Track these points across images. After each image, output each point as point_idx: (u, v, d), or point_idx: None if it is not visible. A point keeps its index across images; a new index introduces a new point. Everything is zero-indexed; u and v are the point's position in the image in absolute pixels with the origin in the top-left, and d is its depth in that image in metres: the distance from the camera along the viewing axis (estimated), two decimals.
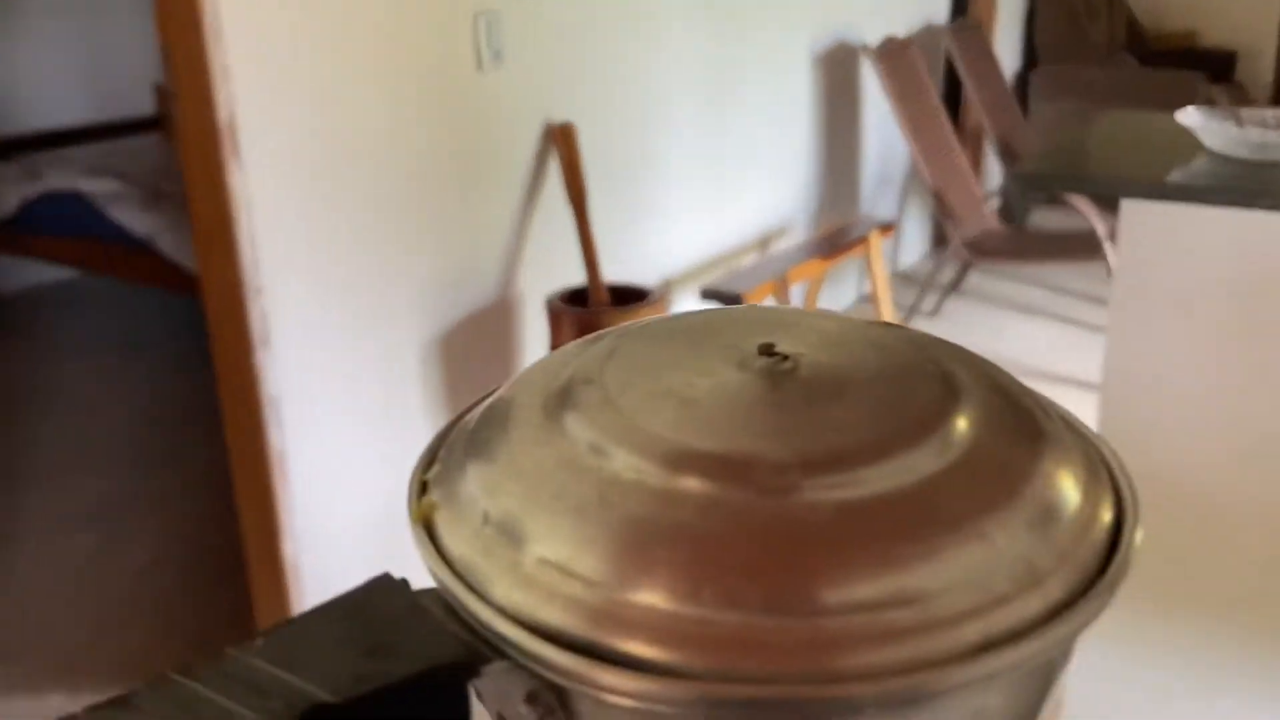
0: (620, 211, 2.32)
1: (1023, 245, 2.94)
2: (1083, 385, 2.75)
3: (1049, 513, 0.23)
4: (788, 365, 0.25)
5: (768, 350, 0.25)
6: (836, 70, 3.14)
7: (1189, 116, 1.41)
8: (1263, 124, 1.38)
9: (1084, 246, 2.85)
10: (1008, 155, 3.73)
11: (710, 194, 2.65)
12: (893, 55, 3.15)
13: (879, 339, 0.27)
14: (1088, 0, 4.54)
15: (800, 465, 0.23)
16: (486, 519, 0.24)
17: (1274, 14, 4.71)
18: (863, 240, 2.80)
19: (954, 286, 3.43)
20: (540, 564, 0.22)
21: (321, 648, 0.23)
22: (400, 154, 1.82)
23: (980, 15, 4.00)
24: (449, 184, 1.94)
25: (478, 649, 0.22)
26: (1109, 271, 2.74)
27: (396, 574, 0.27)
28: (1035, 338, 2.96)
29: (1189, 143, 1.46)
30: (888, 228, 3.00)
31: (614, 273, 2.26)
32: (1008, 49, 4.31)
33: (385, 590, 0.25)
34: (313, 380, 1.71)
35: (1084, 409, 2.62)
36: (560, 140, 2.12)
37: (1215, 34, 4.74)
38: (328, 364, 1.75)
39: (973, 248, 3.00)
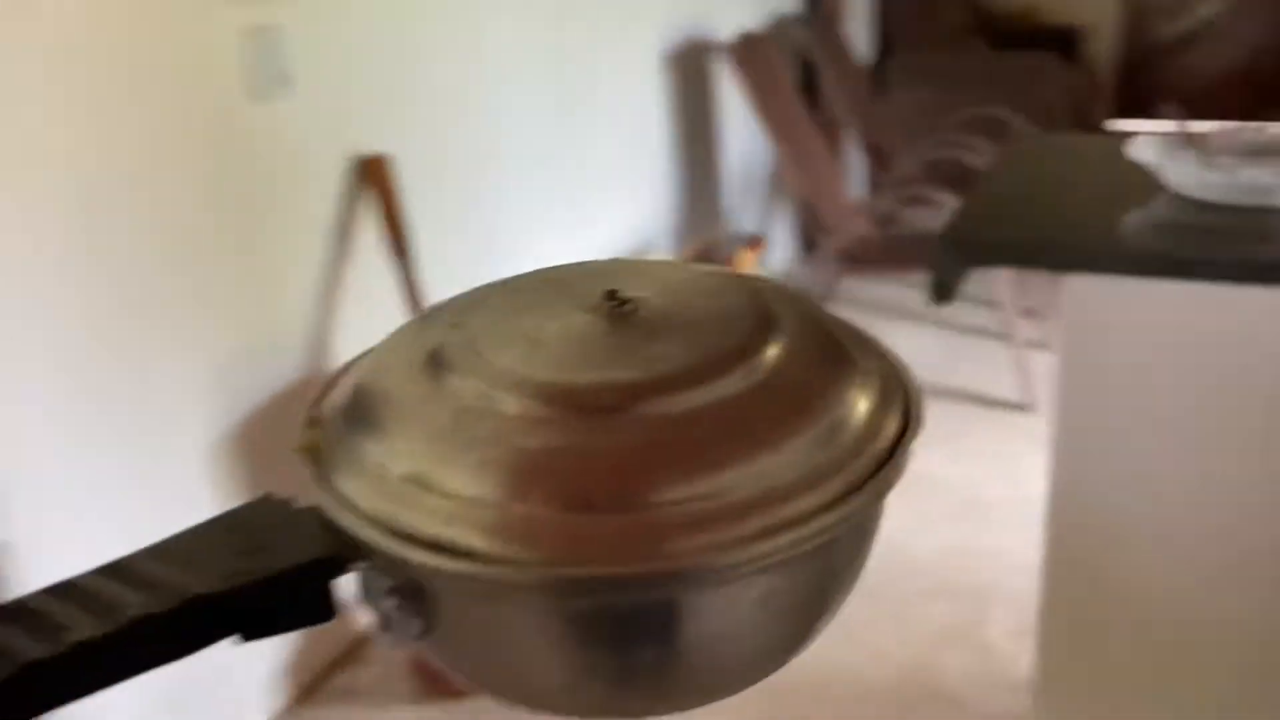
0: (455, 251, 1.95)
1: (901, 253, 2.70)
2: (986, 401, 2.55)
3: (835, 428, 0.28)
4: (628, 308, 0.29)
5: (611, 295, 0.29)
6: (690, 71, 2.84)
7: (1144, 150, 1.13)
8: (1232, 151, 1.11)
9: None
10: (873, 153, 3.51)
11: (562, 219, 2.30)
12: (748, 52, 2.87)
13: (715, 285, 0.32)
14: None
15: (627, 390, 0.26)
16: (357, 444, 0.28)
17: None
18: (730, 260, 2.51)
19: (828, 293, 3.18)
20: (402, 480, 0.27)
21: (202, 551, 0.27)
22: (150, 216, 1.41)
23: (831, 5, 3.77)
24: (226, 242, 1.54)
25: (346, 551, 0.26)
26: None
27: None
28: (927, 349, 2.73)
29: (1142, 181, 1.16)
30: (756, 242, 2.72)
31: None
32: (861, 38, 4.11)
33: (265, 506, 0.29)
34: (56, 522, 1.29)
35: (987, 427, 2.36)
36: (373, 175, 1.74)
37: (1056, 12, 4.67)
38: (77, 499, 1.33)
39: (846, 257, 2.75)
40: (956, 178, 2.75)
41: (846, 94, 3.36)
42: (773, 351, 0.28)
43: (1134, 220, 1.14)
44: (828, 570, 0.28)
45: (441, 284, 1.85)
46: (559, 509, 0.25)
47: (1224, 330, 1.03)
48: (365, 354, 0.32)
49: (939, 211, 2.29)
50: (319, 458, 0.29)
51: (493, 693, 0.28)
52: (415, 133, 1.88)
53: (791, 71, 3.19)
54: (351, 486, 0.27)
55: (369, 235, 1.78)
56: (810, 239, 3.28)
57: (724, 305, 0.30)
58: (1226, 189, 1.06)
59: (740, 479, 0.26)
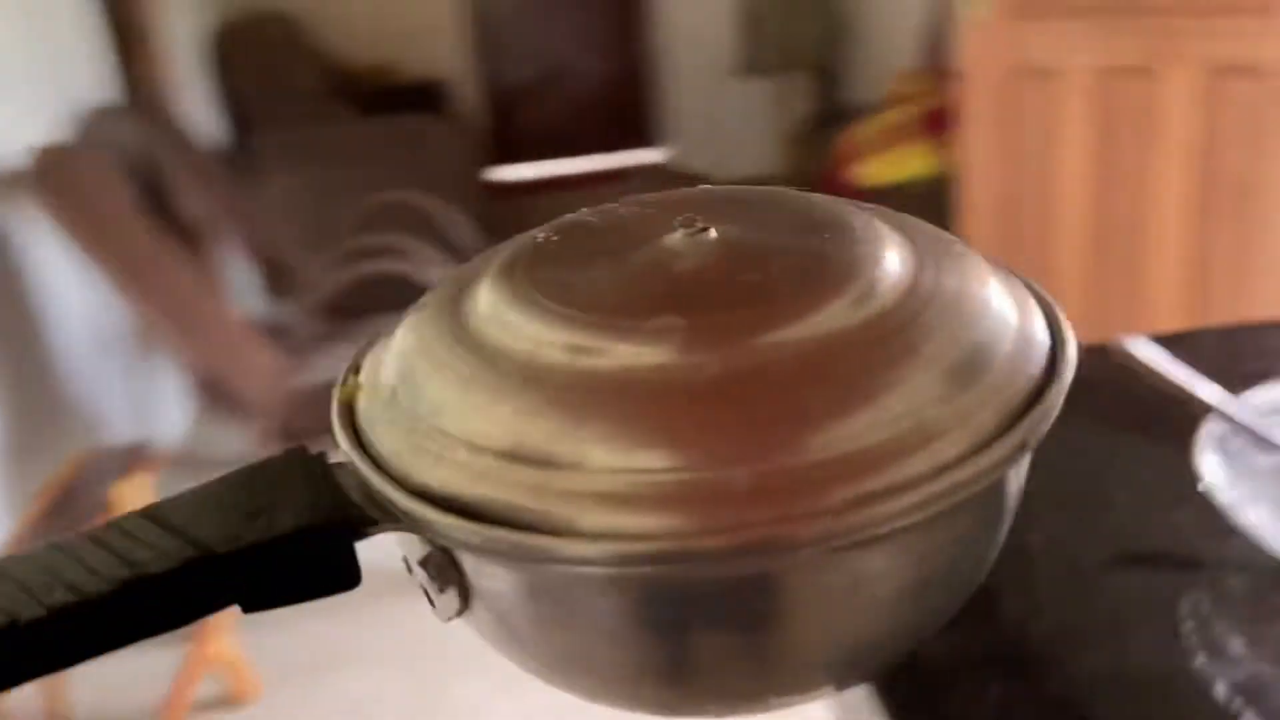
0: None
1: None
2: None
3: (963, 373, 0.21)
4: (709, 238, 0.23)
5: (689, 224, 0.23)
6: None
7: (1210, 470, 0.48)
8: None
9: None
10: (264, 263, 2.76)
11: None
12: (58, 172, 1.96)
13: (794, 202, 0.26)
14: (281, 48, 3.72)
15: (735, 321, 0.21)
16: (395, 395, 0.23)
17: (465, 38, 4.44)
18: (108, 502, 1.63)
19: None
20: (444, 433, 0.21)
21: (210, 509, 0.22)
22: None
23: (152, 84, 2.90)
24: None
25: (366, 512, 0.21)
26: None
27: None
28: None
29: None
30: (138, 457, 1.84)
31: None
32: (206, 121, 3.30)
33: (292, 460, 0.23)
34: None
35: None
36: None
37: (413, 66, 4.31)
38: None
39: (279, 435, 2.00)
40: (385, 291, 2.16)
41: (206, 196, 2.57)
42: (896, 274, 0.22)
43: None
44: (985, 522, 0.22)
45: None
46: (669, 459, 0.18)
47: None
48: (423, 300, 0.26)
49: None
50: (353, 409, 0.24)
51: (551, 682, 0.22)
52: None
53: (128, 186, 2.29)
54: (389, 442, 0.22)
55: None
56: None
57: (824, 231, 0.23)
58: None
59: (883, 419, 0.19)
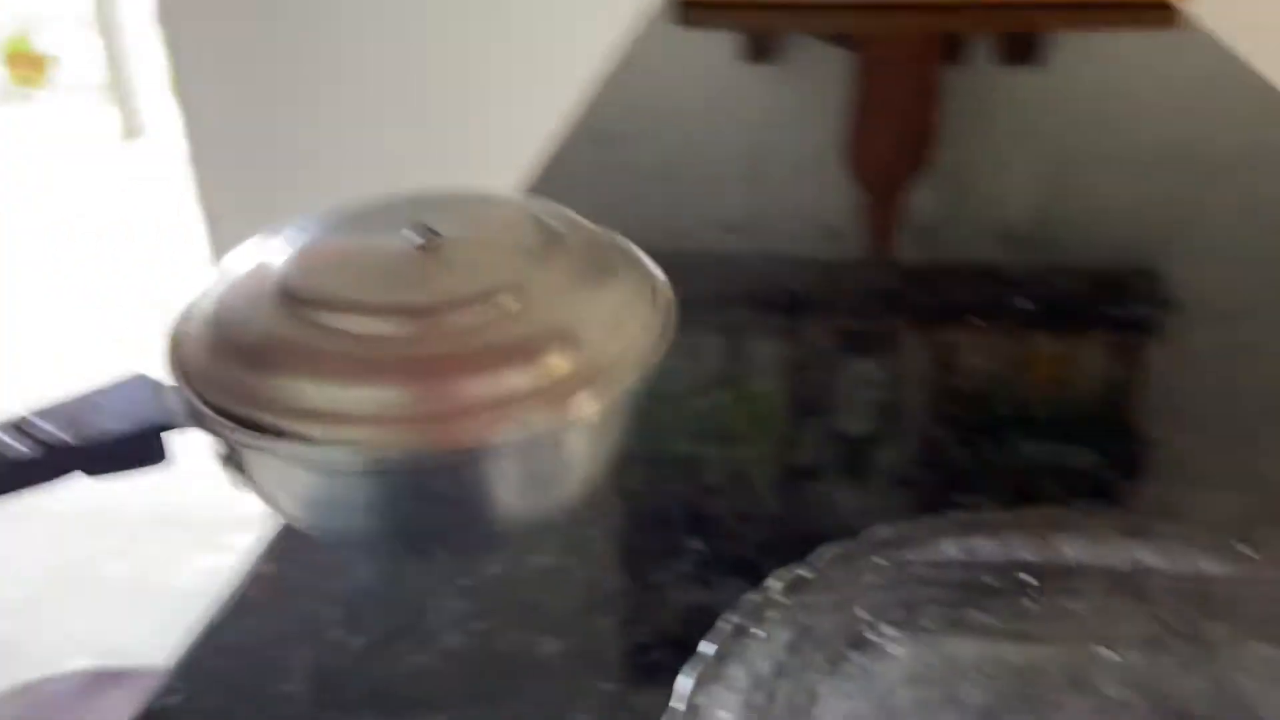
0: None
1: None
2: None
3: (570, 345, 0.29)
4: (436, 241, 0.31)
5: (425, 234, 0.31)
6: None
7: None
8: None
9: None
10: None
11: None
12: None
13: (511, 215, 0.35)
14: None
15: (429, 308, 0.29)
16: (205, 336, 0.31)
17: None
18: None
19: None
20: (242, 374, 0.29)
21: (80, 412, 0.30)
22: None
23: None
24: None
25: (181, 419, 0.30)
26: None
27: None
28: None
29: None
30: None
31: None
32: None
33: (137, 381, 0.32)
34: None
35: None
36: None
37: None
38: None
39: None
40: None
41: None
42: (540, 280, 0.30)
43: None
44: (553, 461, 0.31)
45: None
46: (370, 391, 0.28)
47: None
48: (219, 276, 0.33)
49: None
50: (178, 355, 0.31)
51: (301, 526, 0.33)
52: None
53: None
54: (196, 371, 0.30)
55: None
56: None
57: (514, 235, 0.32)
58: None
59: (525, 376, 0.28)
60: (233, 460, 0.30)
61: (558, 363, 0.29)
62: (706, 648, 0.34)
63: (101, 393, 0.31)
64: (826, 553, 0.38)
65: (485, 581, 0.44)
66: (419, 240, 0.31)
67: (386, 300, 0.29)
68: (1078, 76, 1.17)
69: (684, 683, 0.32)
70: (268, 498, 0.32)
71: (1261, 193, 0.82)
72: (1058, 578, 0.38)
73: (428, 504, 0.31)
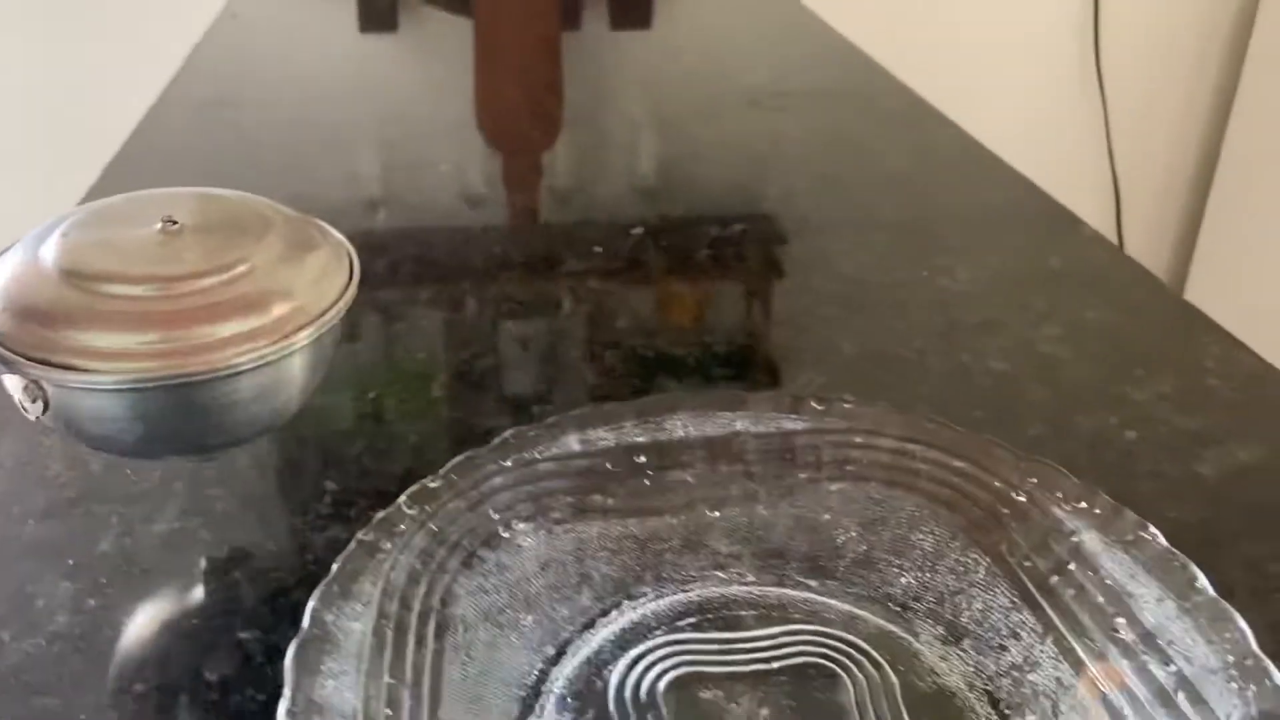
0: None
1: None
2: None
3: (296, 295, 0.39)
4: (177, 227, 0.40)
5: (169, 219, 0.40)
6: None
7: None
8: None
9: None
10: None
11: None
12: None
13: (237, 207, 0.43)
14: None
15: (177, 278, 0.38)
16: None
17: None
18: None
19: None
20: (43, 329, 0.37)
21: None
22: None
23: None
24: None
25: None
26: None
27: None
28: None
29: None
30: None
31: None
32: None
33: None
34: None
35: None
36: None
37: None
38: None
39: None
40: None
41: None
42: (260, 253, 0.39)
43: None
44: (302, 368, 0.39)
45: None
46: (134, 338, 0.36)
47: None
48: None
49: None
50: None
51: (98, 449, 0.40)
52: None
53: None
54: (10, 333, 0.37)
55: None
56: None
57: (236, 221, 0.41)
58: None
59: (245, 325, 0.37)
60: (36, 397, 0.37)
61: (278, 309, 0.38)
62: (337, 567, 0.34)
63: None
64: (453, 462, 0.39)
65: (97, 558, 0.40)
66: (164, 227, 0.39)
67: (144, 271, 0.38)
68: (679, 35, 1.26)
69: (314, 602, 0.32)
70: (61, 425, 0.38)
71: (824, 123, 0.92)
72: (668, 454, 0.41)
73: (184, 418, 0.38)
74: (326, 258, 0.41)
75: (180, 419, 0.38)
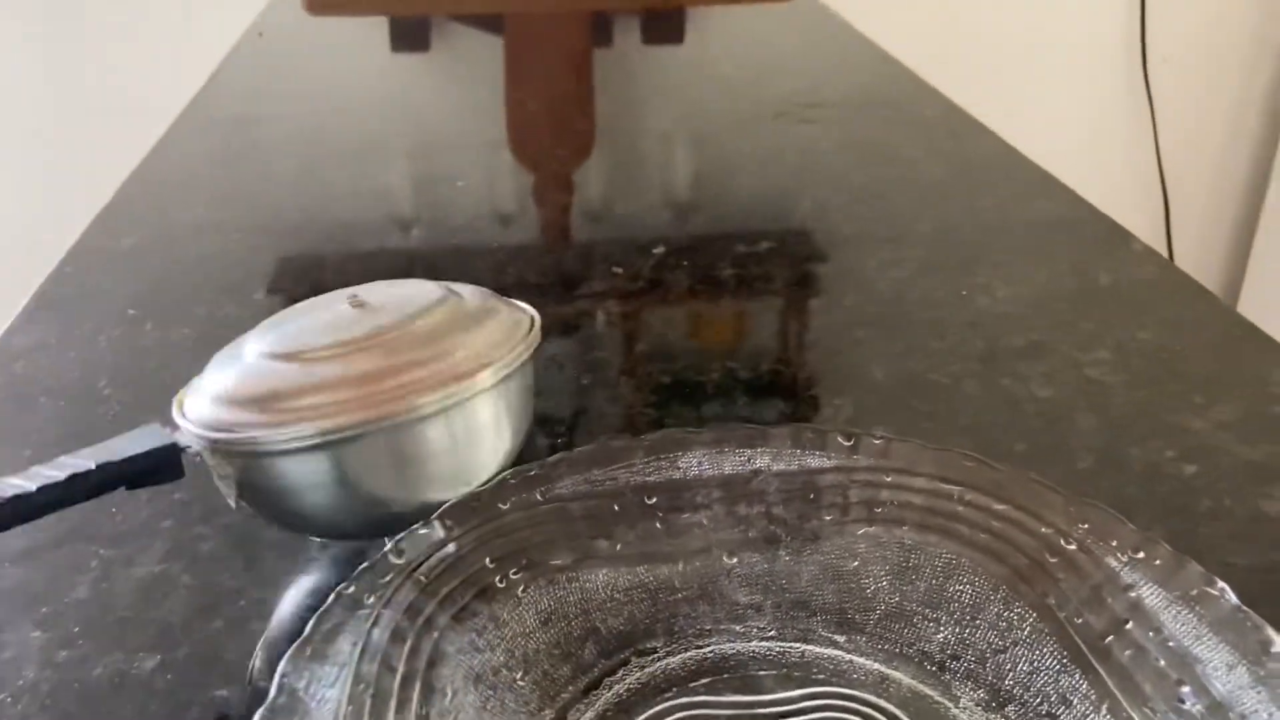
0: None
1: None
2: None
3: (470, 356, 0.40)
4: (365, 308, 0.42)
5: (355, 299, 0.42)
6: None
7: None
8: None
9: None
10: None
11: None
12: None
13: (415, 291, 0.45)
14: None
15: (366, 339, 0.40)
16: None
17: None
18: None
19: None
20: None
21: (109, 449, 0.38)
22: None
23: None
24: None
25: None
26: None
27: None
28: None
29: None
30: None
31: None
32: None
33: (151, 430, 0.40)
34: None
35: None
36: None
37: None
38: None
39: None
40: None
41: None
42: (437, 317, 0.41)
43: None
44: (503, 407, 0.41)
45: None
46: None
47: None
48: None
49: None
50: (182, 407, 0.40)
51: (290, 529, 0.41)
52: None
53: None
54: (200, 414, 0.39)
55: None
56: None
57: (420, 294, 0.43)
58: None
59: (428, 376, 0.38)
60: (234, 477, 0.38)
61: (460, 354, 0.40)
62: (312, 625, 0.31)
63: (121, 437, 0.39)
64: (446, 505, 0.36)
65: (71, 605, 0.38)
66: (353, 305, 0.42)
67: (339, 339, 0.40)
68: (712, 48, 1.23)
69: (284, 665, 0.29)
70: (258, 508, 0.39)
71: (859, 134, 0.89)
72: (681, 494, 0.38)
73: (375, 472, 0.38)
74: (508, 318, 0.43)
75: (372, 475, 0.38)
